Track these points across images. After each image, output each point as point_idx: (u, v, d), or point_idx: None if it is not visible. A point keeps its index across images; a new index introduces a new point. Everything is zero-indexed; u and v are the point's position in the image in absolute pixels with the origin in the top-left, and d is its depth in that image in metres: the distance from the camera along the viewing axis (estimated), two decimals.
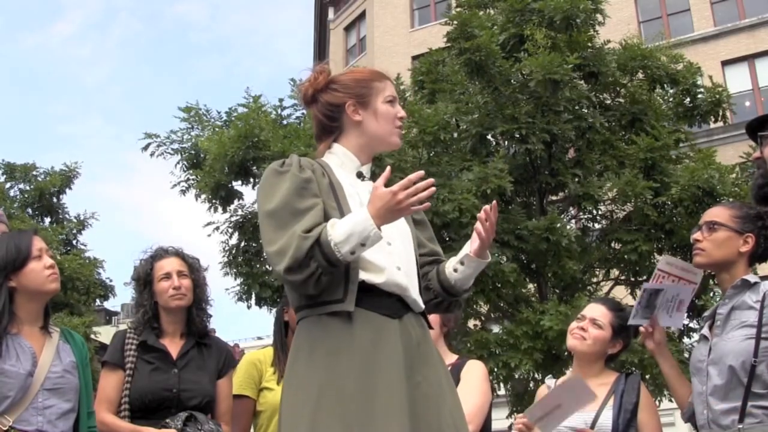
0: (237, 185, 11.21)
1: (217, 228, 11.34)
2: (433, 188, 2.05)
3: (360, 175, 2.34)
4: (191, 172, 11.46)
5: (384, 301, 2.13)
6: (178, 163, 11.57)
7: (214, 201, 11.10)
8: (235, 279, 11.23)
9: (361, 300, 2.10)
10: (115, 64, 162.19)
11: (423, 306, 2.26)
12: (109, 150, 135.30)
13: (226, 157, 10.42)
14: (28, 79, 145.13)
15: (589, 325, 3.12)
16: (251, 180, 11.05)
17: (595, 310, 3.17)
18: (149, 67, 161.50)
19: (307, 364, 2.07)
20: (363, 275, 2.12)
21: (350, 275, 2.10)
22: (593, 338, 3.10)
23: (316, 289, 2.07)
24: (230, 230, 11.29)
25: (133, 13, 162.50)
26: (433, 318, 3.19)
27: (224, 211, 11.31)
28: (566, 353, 7.98)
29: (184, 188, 11.55)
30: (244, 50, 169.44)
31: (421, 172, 2.08)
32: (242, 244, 11.33)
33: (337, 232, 2.02)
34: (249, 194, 11.66)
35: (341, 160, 2.33)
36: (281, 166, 2.23)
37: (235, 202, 11.38)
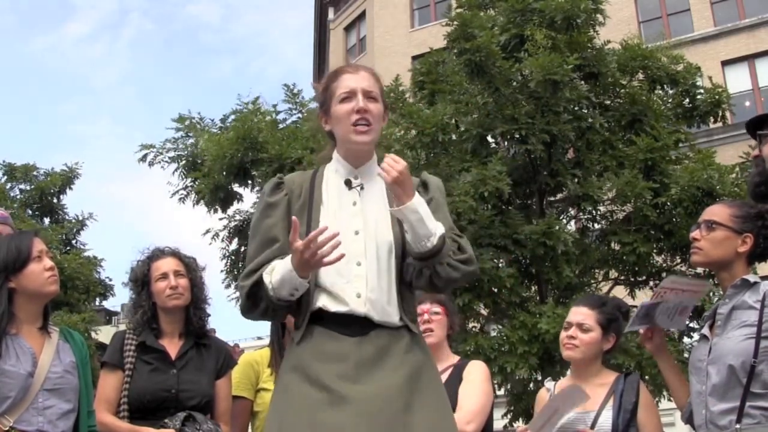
0: (236, 187, 11.23)
1: (217, 235, 11.37)
2: (337, 240, 2.04)
3: (348, 183, 2.31)
4: (190, 178, 11.47)
5: (344, 322, 2.16)
6: (175, 170, 11.59)
7: (213, 203, 11.12)
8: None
9: (324, 318, 2.18)
10: (126, 65, 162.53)
11: (399, 322, 2.20)
12: (118, 150, 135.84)
13: (224, 158, 10.43)
14: (39, 79, 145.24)
15: (577, 332, 3.11)
16: (250, 182, 11.07)
17: (578, 315, 3.14)
18: (160, 67, 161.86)
19: (279, 379, 2.25)
20: (320, 302, 2.18)
21: (310, 306, 2.20)
22: (585, 344, 3.09)
23: (280, 319, 2.30)
24: (229, 235, 11.31)
25: (145, 13, 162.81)
26: (439, 321, 3.22)
27: (224, 212, 11.32)
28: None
29: (182, 196, 11.57)
30: (255, 51, 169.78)
31: (323, 227, 2.05)
32: (242, 249, 11.34)
33: (274, 278, 2.15)
34: (248, 196, 11.68)
35: (335, 166, 2.36)
36: (265, 189, 2.37)
37: (235, 204, 11.40)
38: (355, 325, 2.16)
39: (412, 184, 2.17)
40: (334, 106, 2.29)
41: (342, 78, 2.30)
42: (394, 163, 2.12)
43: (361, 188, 2.31)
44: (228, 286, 11.41)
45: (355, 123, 2.24)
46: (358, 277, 2.19)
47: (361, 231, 2.24)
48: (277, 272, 2.14)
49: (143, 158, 11.53)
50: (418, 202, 2.14)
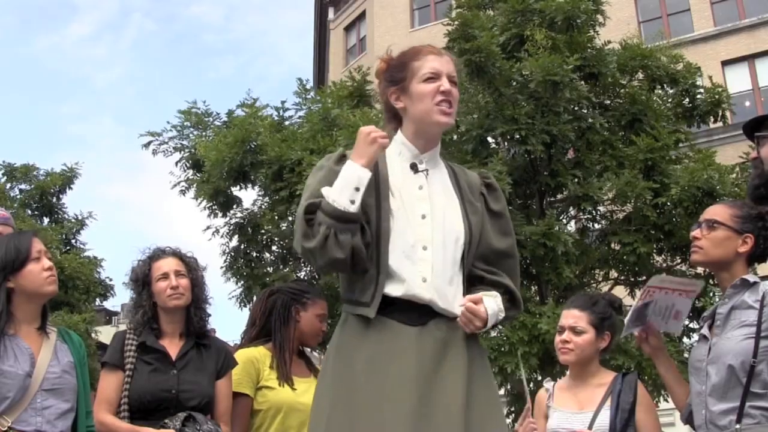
0: (236, 191, 11.23)
1: (217, 231, 11.36)
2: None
3: (414, 167, 2.28)
4: (192, 172, 11.47)
5: (405, 309, 2.13)
6: (178, 161, 11.59)
7: (213, 207, 11.12)
8: (237, 283, 11.24)
9: (383, 307, 2.13)
10: (129, 65, 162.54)
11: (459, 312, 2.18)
12: (120, 150, 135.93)
13: (224, 162, 10.42)
14: (40, 79, 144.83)
15: (570, 336, 3.12)
16: (250, 185, 11.07)
17: (570, 318, 3.16)
18: (163, 67, 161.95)
19: (332, 367, 2.18)
20: (385, 287, 2.13)
21: (379, 281, 2.14)
22: (579, 347, 3.10)
23: (343, 252, 2.07)
24: (230, 232, 11.31)
25: (147, 14, 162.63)
26: None
27: (224, 216, 11.33)
28: None
29: (184, 188, 11.57)
30: (257, 51, 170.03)
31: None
32: (242, 246, 11.34)
33: (332, 190, 2.10)
34: (248, 199, 11.68)
35: (399, 149, 2.32)
36: (325, 161, 2.30)
37: (234, 207, 11.40)
38: (416, 312, 2.13)
39: (486, 321, 2.19)
40: (415, 84, 2.26)
41: (427, 58, 2.28)
42: (473, 317, 2.15)
43: (427, 173, 2.29)
44: (228, 280, 11.41)
45: (440, 103, 2.23)
46: (423, 261, 2.16)
47: (428, 216, 2.22)
48: (336, 182, 2.11)
49: (146, 145, 11.51)
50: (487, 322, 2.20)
